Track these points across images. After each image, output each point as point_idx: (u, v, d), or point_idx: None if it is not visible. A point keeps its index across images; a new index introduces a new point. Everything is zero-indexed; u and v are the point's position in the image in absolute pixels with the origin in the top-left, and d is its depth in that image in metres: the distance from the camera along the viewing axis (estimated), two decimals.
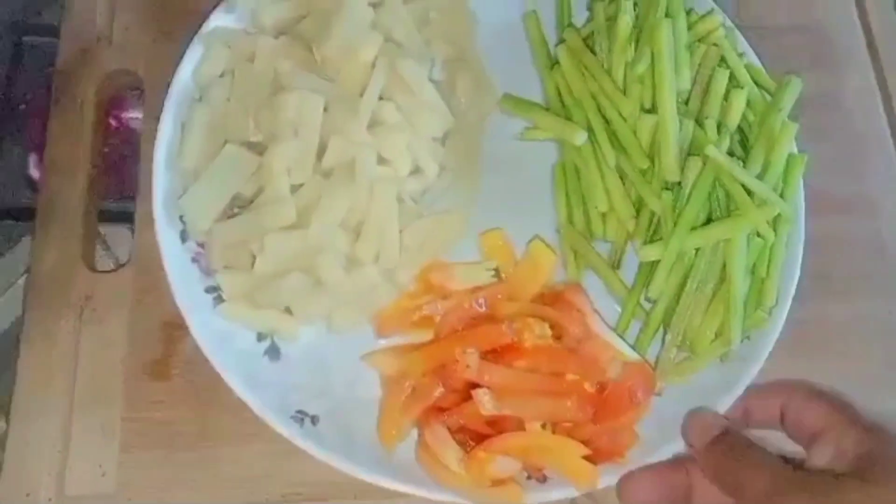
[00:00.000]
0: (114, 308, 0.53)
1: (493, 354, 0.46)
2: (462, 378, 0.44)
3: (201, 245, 0.51)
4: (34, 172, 0.62)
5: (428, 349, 0.47)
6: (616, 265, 0.54)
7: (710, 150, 0.48)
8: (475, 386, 0.44)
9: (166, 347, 0.52)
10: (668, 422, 0.48)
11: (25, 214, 0.58)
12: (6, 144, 0.63)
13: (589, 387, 0.45)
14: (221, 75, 0.54)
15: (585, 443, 0.45)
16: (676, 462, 0.46)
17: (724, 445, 0.44)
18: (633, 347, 0.50)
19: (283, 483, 0.49)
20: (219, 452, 0.50)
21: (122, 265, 0.54)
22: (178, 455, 0.49)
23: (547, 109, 0.56)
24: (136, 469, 0.49)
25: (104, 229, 0.59)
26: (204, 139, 0.52)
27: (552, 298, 0.51)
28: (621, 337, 0.51)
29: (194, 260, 0.51)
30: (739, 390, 0.48)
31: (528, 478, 0.46)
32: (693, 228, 0.49)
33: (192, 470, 0.49)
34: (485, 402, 0.42)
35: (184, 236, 0.51)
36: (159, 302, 0.51)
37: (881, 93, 0.64)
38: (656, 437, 0.48)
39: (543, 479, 0.46)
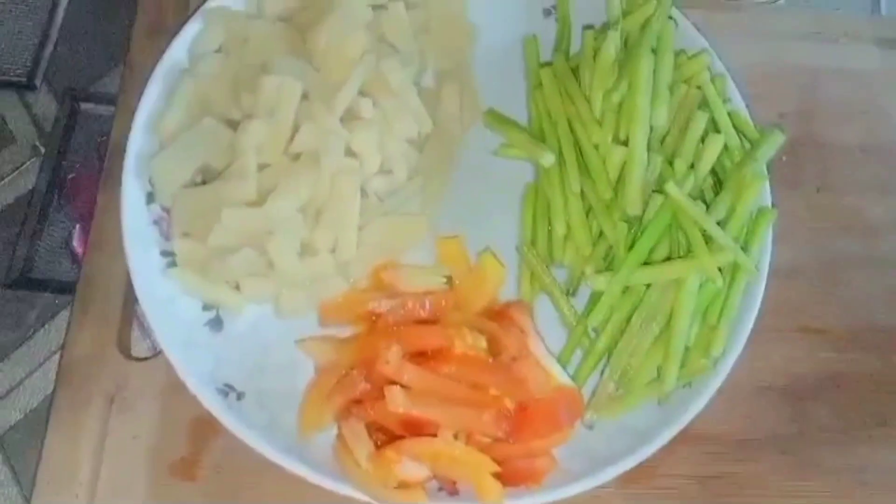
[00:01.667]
0: (145, 398, 0.50)
1: (422, 357, 0.46)
2: (382, 374, 0.43)
3: (167, 210, 0.53)
4: (77, 246, 0.58)
5: (356, 342, 0.47)
6: (571, 292, 0.54)
7: (670, 188, 0.48)
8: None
9: (195, 445, 0.49)
10: (595, 456, 0.47)
11: (65, 288, 0.56)
12: (52, 213, 0.59)
13: (509, 403, 0.45)
14: (218, 51, 0.56)
15: (500, 462, 0.44)
16: None
17: None
18: (569, 375, 0.50)
19: None
20: None
21: (158, 352, 0.51)
22: None
23: (525, 129, 0.57)
24: None
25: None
26: (186, 110, 0.53)
27: (498, 314, 0.50)
28: (559, 362, 0.50)
29: (156, 223, 0.52)
30: (670, 435, 0.47)
31: (440, 489, 0.46)
32: (644, 264, 0.49)
33: None
34: (395, 400, 0.42)
35: (150, 198, 0.52)
36: (192, 395, 0.47)
37: None
38: (580, 470, 0.47)
39: (455, 493, 0.46)
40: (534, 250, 0.54)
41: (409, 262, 0.54)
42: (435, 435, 0.43)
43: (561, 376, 0.48)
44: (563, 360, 0.51)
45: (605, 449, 0.48)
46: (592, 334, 0.51)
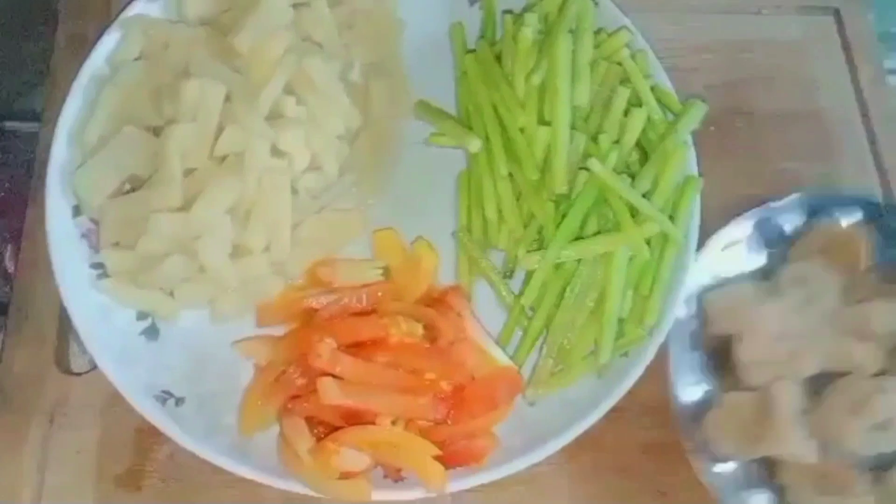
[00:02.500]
0: (87, 412, 0.50)
1: (357, 348, 0.46)
2: (316, 367, 0.43)
3: (95, 222, 0.52)
4: (9, 265, 0.57)
5: (290, 337, 0.47)
6: (508, 275, 0.54)
7: (593, 164, 0.49)
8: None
9: (140, 455, 0.49)
10: (538, 431, 0.48)
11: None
12: None
13: (446, 386, 0.45)
14: (139, 59, 0.56)
15: (442, 444, 0.45)
16: None
17: None
18: (509, 355, 0.50)
19: None
20: None
21: (96, 367, 0.49)
22: None
23: (454, 117, 0.57)
24: None
25: None
26: (108, 119, 0.53)
27: (436, 301, 0.51)
28: (500, 343, 0.51)
29: (84, 236, 0.52)
30: (608, 406, 0.48)
31: (385, 477, 0.46)
32: (574, 241, 0.49)
33: None
34: (328, 391, 0.42)
35: (76, 211, 0.52)
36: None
37: None
38: (523, 446, 0.47)
39: (400, 479, 0.46)
40: (469, 236, 0.54)
41: (346, 257, 0.54)
42: (373, 423, 0.44)
43: (500, 357, 0.49)
44: (503, 341, 0.52)
45: (547, 424, 0.48)
46: (530, 314, 0.52)
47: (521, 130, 0.53)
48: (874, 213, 0.58)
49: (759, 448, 0.49)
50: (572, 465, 0.51)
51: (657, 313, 0.50)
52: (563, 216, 0.50)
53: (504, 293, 0.53)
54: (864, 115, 0.68)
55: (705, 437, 0.50)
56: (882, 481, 0.50)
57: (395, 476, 0.46)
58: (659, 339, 0.50)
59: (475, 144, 0.53)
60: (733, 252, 0.56)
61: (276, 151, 0.52)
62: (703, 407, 0.51)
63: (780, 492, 0.50)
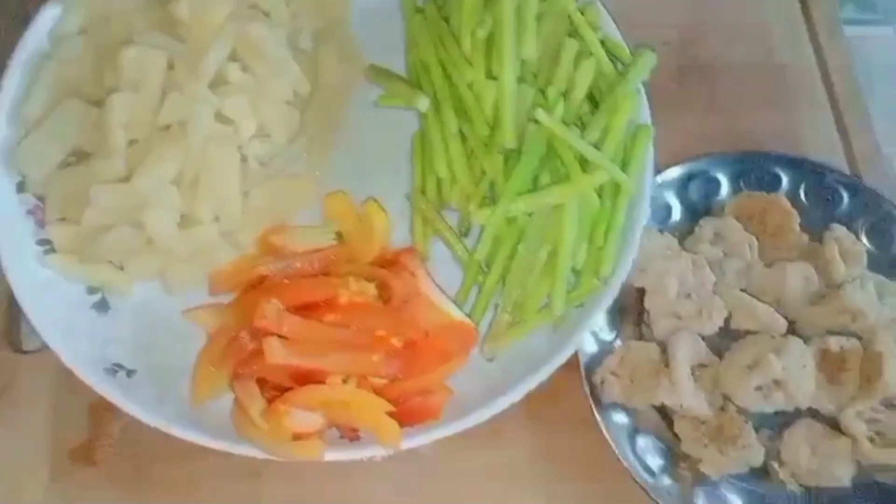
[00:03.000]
0: (40, 388, 0.50)
1: (308, 310, 0.45)
2: (263, 329, 0.43)
3: (41, 199, 0.51)
4: None
5: (238, 302, 0.47)
6: (464, 233, 0.54)
7: (539, 115, 0.48)
8: None
9: (93, 430, 0.49)
10: (496, 385, 0.48)
11: None
12: None
13: (397, 342, 0.45)
14: (80, 33, 0.55)
15: (396, 401, 0.44)
16: None
17: None
18: (467, 312, 0.50)
19: None
20: None
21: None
22: None
23: (404, 78, 0.56)
24: None
25: None
26: (50, 94, 0.52)
27: (390, 261, 0.50)
28: (458, 301, 0.50)
29: (30, 212, 0.51)
30: (563, 357, 0.47)
31: (342, 437, 0.46)
32: (523, 194, 0.49)
33: None
34: (273, 351, 0.42)
35: (20, 187, 0.51)
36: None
37: None
38: (480, 401, 0.47)
39: (356, 439, 0.46)
40: (423, 196, 0.54)
41: (299, 224, 0.53)
42: (324, 382, 0.43)
43: (454, 312, 0.48)
44: (461, 299, 0.51)
45: (505, 378, 0.48)
46: (487, 270, 0.52)
47: (470, 87, 0.52)
48: (805, 174, 0.58)
49: (652, 397, 0.49)
50: (532, 419, 0.51)
51: (612, 264, 0.50)
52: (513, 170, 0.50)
53: (460, 251, 0.52)
54: (821, 66, 0.68)
55: (600, 380, 0.50)
56: (777, 439, 0.50)
57: (351, 435, 0.45)
58: (614, 289, 0.49)
59: (423, 103, 0.52)
60: (657, 204, 0.56)
61: (221, 119, 0.52)
62: (605, 355, 0.51)
63: (672, 441, 0.50)
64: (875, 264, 0.55)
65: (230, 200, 0.51)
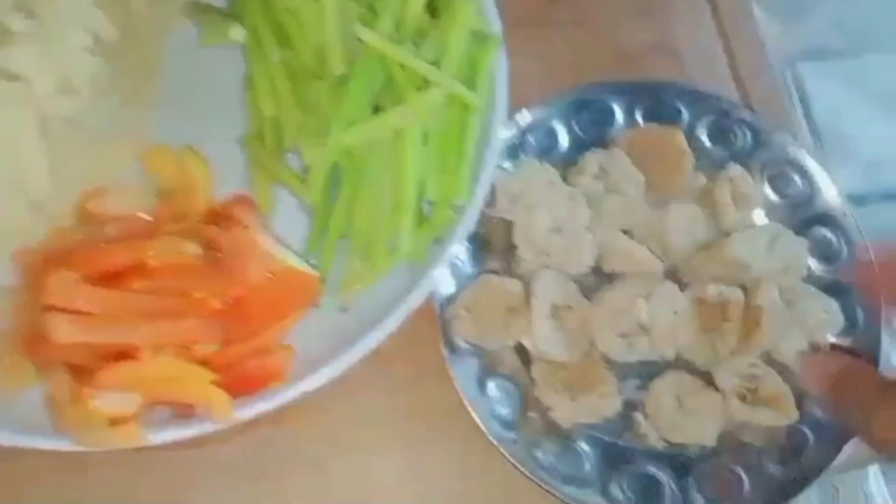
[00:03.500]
0: None
1: (115, 279, 0.40)
2: (53, 306, 0.37)
3: None
4: None
5: (30, 279, 0.41)
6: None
7: (360, 31, 0.43)
8: None
9: None
10: (351, 335, 0.43)
11: None
12: None
13: (217, 303, 0.39)
14: None
15: (228, 368, 0.39)
16: None
17: (847, 385, 0.43)
18: (309, 261, 0.45)
19: None
20: None
21: None
22: None
23: (223, 11, 0.50)
24: None
25: None
26: None
27: (221, 214, 0.45)
28: (310, 250, 0.46)
29: None
30: (416, 299, 0.43)
31: (175, 415, 0.41)
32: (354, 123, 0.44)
33: None
34: (57, 329, 0.36)
35: None
36: None
37: None
38: (332, 355, 0.42)
39: (191, 415, 0.41)
40: (259, 141, 0.48)
41: (120, 186, 0.47)
42: (134, 358, 0.38)
43: (295, 263, 0.43)
44: (311, 248, 0.47)
45: (361, 329, 0.43)
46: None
47: (289, 10, 0.46)
48: (707, 110, 0.53)
49: (506, 336, 0.45)
50: (387, 378, 0.47)
51: (465, 190, 0.45)
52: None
53: (305, 197, 0.47)
54: None
55: (451, 316, 0.46)
56: (645, 391, 0.47)
57: (186, 412, 0.40)
58: (470, 219, 0.45)
59: (237, 32, 0.46)
60: (541, 133, 0.51)
61: (8, 76, 0.45)
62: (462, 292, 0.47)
63: (528, 387, 0.46)
64: (774, 212, 0.51)
65: (33, 168, 0.45)
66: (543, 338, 0.45)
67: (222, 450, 0.45)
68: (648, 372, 0.47)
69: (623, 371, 0.47)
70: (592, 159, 0.50)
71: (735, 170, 0.51)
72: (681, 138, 0.52)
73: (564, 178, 0.50)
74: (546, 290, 0.46)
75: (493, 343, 0.46)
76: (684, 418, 0.45)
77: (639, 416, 0.46)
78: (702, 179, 0.52)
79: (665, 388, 0.46)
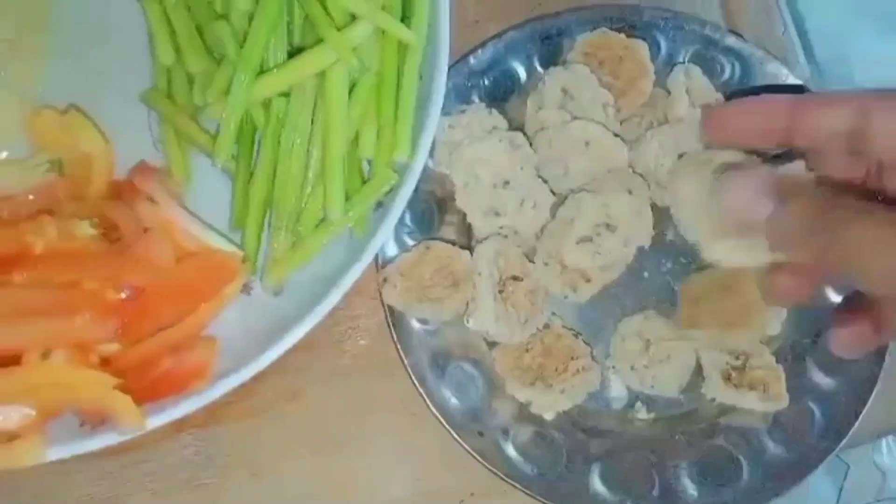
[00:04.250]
0: None
1: None
2: None
3: None
4: None
5: None
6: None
7: None
8: None
9: None
10: (289, 318, 0.37)
11: None
12: None
13: (112, 295, 0.34)
14: None
15: (140, 369, 0.34)
16: None
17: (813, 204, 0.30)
18: (230, 239, 0.39)
19: None
20: None
21: None
22: None
23: None
24: None
25: None
26: None
27: (126, 187, 0.39)
28: (237, 225, 0.39)
29: None
30: (354, 275, 0.37)
31: (83, 425, 0.35)
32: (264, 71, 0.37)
33: None
34: None
35: None
36: None
37: None
38: (265, 344, 0.37)
39: (102, 424, 0.35)
40: (168, 99, 0.42)
41: (5, 159, 0.41)
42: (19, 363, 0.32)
43: (214, 241, 0.37)
44: (236, 223, 0.40)
45: (299, 313, 0.38)
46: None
47: None
48: (680, 36, 0.45)
49: (440, 311, 0.40)
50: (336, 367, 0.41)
51: (407, 146, 0.39)
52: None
53: (221, 160, 0.40)
54: None
55: (382, 279, 0.40)
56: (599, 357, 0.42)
57: (93, 421, 0.35)
58: (413, 177, 0.39)
59: None
60: (489, 77, 0.44)
61: None
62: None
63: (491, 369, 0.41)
64: None
65: None
66: (489, 320, 0.39)
67: (151, 455, 0.40)
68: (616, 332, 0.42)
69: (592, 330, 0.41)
70: (553, 82, 0.43)
71: (694, 70, 0.44)
72: (644, 51, 0.44)
73: (524, 132, 0.43)
74: (491, 263, 0.40)
75: (423, 313, 0.40)
76: (651, 365, 0.41)
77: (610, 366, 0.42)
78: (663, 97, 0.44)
79: (632, 330, 0.42)
